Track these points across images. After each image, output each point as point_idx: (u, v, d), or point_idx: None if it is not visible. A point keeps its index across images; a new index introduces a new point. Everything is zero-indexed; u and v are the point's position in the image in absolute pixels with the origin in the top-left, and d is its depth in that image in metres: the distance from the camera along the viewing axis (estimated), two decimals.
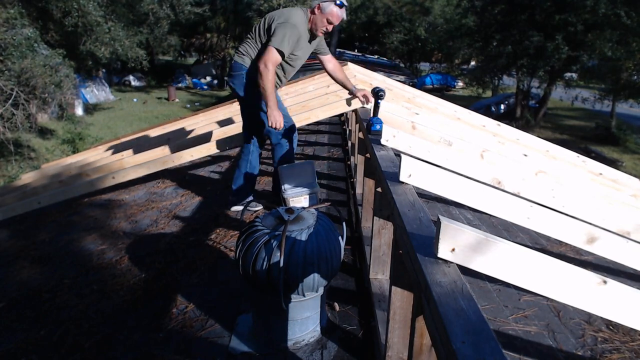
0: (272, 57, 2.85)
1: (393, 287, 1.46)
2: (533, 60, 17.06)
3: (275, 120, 2.93)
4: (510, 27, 17.51)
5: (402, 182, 1.68)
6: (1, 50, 9.39)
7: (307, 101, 4.07)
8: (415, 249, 1.17)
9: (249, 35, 3.09)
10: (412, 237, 1.24)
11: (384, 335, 1.62)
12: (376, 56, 31.45)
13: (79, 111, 18.49)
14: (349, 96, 3.44)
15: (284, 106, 3.36)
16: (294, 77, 4.51)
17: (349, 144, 4.79)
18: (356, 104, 3.44)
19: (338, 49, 21.52)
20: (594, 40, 16.01)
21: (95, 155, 5.40)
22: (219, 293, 2.42)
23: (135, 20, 17.04)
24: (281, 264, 1.67)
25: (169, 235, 3.29)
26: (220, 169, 5.07)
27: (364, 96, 3.23)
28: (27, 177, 5.20)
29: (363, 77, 4.52)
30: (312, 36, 3.04)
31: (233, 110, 5.31)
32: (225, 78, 20.22)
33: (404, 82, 8.19)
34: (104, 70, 24.00)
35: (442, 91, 26.59)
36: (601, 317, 1.82)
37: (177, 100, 24.22)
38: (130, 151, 4.62)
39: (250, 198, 3.38)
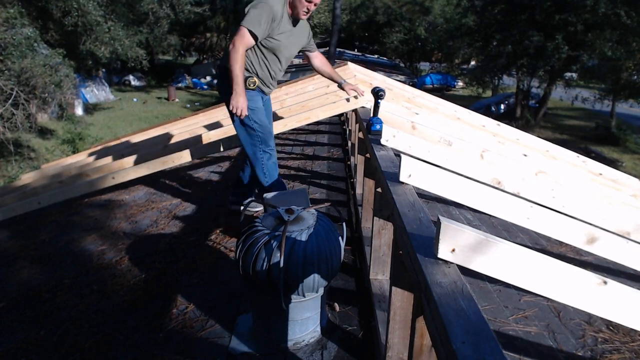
0: (242, 38, 2.65)
1: (393, 288, 1.47)
2: (533, 60, 17.07)
3: (238, 106, 2.68)
4: (510, 27, 17.51)
5: (402, 182, 1.68)
6: (1, 50, 9.38)
7: (307, 101, 4.06)
8: (415, 250, 1.17)
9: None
10: (412, 237, 1.24)
11: (384, 336, 1.62)
12: (376, 56, 31.47)
13: (79, 111, 18.47)
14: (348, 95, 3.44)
15: (271, 110, 3.17)
16: (294, 77, 4.49)
17: (349, 144, 4.79)
18: (356, 103, 3.43)
19: (338, 49, 21.49)
20: (594, 40, 16.01)
21: (95, 155, 5.38)
22: (219, 293, 2.42)
23: (135, 20, 17.03)
24: (281, 264, 1.67)
25: (169, 235, 3.29)
26: (220, 169, 5.07)
27: (354, 90, 3.20)
28: (27, 177, 5.19)
29: (363, 77, 4.51)
30: (296, 20, 2.86)
31: None
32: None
33: (404, 82, 8.18)
34: (104, 70, 23.97)
35: (442, 91, 26.56)
36: (601, 318, 1.81)
37: (177, 100, 24.20)
38: (130, 151, 4.61)
39: (251, 198, 3.38)
